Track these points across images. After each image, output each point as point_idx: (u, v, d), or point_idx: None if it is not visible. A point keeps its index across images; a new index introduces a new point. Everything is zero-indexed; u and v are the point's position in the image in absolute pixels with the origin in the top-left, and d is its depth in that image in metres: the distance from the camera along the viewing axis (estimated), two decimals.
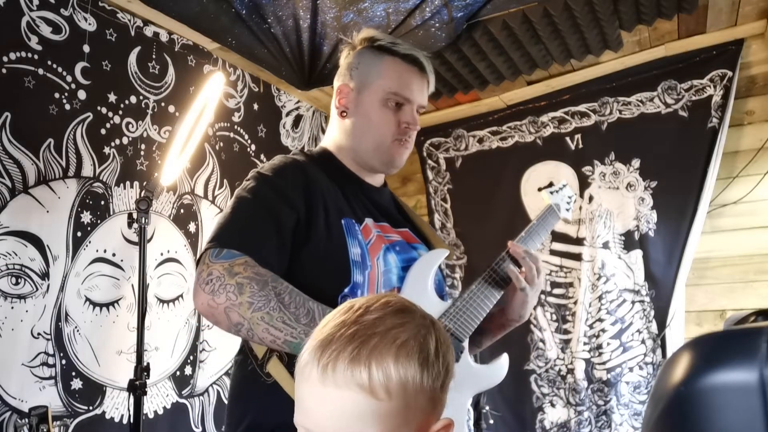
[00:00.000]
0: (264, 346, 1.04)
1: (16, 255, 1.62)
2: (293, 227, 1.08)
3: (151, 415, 1.93)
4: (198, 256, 1.06)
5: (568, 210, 1.49)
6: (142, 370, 1.56)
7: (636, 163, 2.51)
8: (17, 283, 1.62)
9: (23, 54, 1.68)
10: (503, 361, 1.20)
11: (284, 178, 1.12)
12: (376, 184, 1.28)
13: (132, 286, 1.90)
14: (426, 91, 1.26)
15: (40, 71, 1.71)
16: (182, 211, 2.13)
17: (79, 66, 1.82)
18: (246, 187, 1.12)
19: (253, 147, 2.45)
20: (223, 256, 1.00)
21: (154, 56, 2.06)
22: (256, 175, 1.14)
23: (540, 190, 1.51)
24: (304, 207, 1.09)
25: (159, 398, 1.97)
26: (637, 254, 2.46)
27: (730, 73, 2.33)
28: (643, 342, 2.40)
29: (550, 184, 1.52)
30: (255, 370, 1.08)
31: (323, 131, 2.31)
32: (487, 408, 2.65)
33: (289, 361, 1.03)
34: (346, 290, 1.08)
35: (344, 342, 0.61)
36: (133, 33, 2.00)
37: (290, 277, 1.04)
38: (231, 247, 1.01)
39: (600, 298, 2.50)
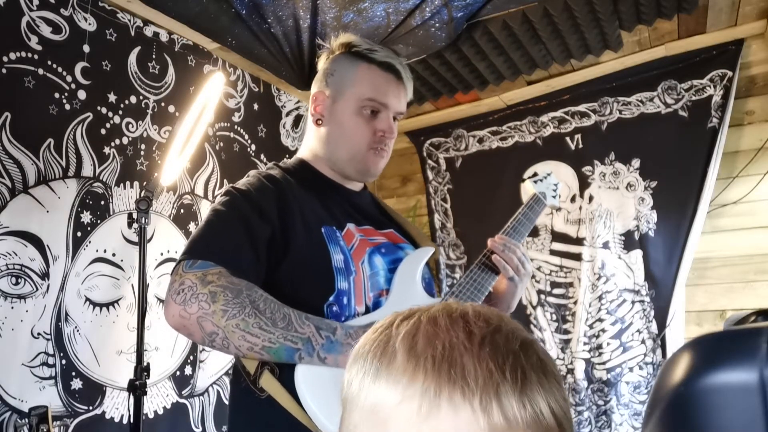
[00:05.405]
0: (241, 355, 1.02)
1: (16, 255, 1.62)
2: (268, 240, 1.06)
3: (151, 415, 1.93)
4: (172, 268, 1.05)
5: (554, 197, 1.48)
6: (142, 370, 1.55)
7: (636, 163, 2.51)
8: (17, 283, 1.62)
9: (23, 54, 1.68)
10: None
11: (258, 192, 1.11)
12: (356, 188, 1.27)
13: (132, 286, 1.90)
14: (404, 98, 1.23)
15: (40, 71, 1.71)
16: (182, 211, 2.13)
17: (79, 66, 1.82)
18: (220, 201, 1.11)
19: (253, 147, 2.45)
20: (197, 266, 0.99)
21: (154, 56, 2.06)
22: (230, 189, 1.13)
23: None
24: (278, 221, 1.08)
25: (159, 398, 1.97)
26: (637, 254, 2.46)
27: (730, 73, 2.33)
28: (643, 342, 2.40)
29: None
30: (248, 387, 1.06)
31: None
32: None
33: (281, 374, 1.01)
34: (331, 298, 1.07)
35: (490, 369, 0.42)
36: (133, 33, 2.00)
37: (273, 290, 1.02)
38: (205, 258, 1.00)
39: (600, 298, 2.50)
